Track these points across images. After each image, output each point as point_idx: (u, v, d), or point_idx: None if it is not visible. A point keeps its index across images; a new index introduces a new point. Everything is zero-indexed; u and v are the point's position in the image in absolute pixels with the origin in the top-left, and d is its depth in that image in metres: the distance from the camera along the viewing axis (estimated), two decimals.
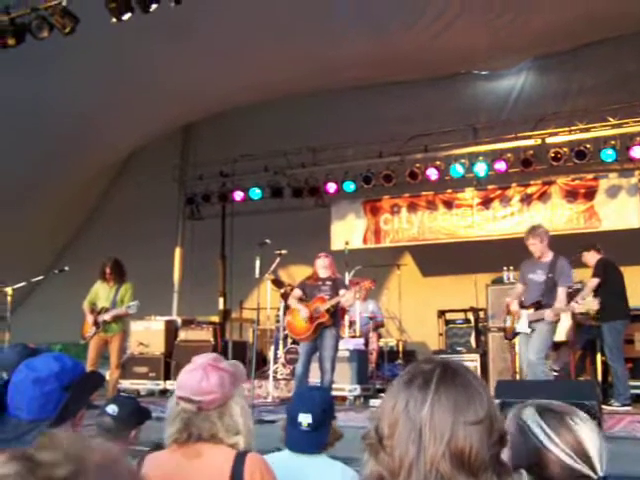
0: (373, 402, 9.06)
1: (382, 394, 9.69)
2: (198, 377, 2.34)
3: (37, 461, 0.95)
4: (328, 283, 8.20)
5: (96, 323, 8.74)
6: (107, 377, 8.95)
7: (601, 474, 1.49)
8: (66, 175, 13.04)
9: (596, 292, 8.63)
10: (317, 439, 2.97)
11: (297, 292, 8.45)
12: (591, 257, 8.81)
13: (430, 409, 1.26)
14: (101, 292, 8.93)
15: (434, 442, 1.23)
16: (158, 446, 2.67)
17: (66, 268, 9.62)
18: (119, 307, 8.78)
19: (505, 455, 1.64)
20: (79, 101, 10.79)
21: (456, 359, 9.88)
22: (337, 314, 8.27)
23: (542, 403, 1.67)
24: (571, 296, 9.22)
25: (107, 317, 8.76)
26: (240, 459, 2.29)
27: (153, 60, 10.45)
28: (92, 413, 3.71)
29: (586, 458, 1.51)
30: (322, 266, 8.23)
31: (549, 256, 7.46)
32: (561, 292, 7.31)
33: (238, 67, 11.01)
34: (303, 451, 2.95)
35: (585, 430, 1.56)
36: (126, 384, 10.66)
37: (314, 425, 2.95)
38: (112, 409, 3.39)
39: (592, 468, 1.50)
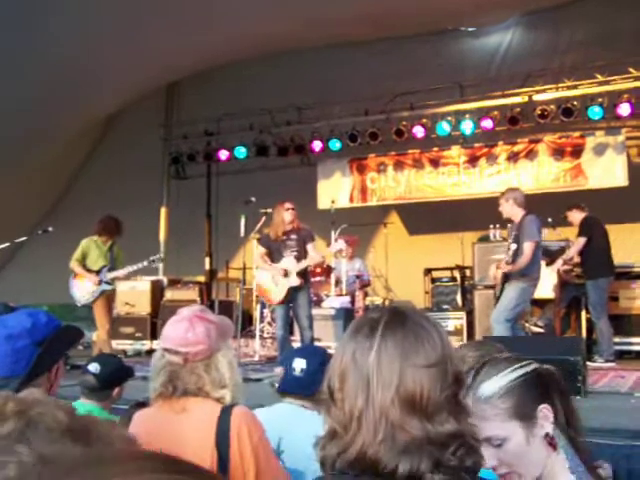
0: None
1: None
2: (184, 328, 2.28)
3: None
4: (293, 237, 7.94)
5: (100, 282, 8.51)
6: (94, 337, 8.93)
7: None
8: (50, 134, 12.87)
9: (581, 250, 8.69)
10: (308, 384, 2.96)
11: (261, 250, 8.18)
12: (575, 216, 8.82)
13: (377, 355, 1.24)
14: (93, 250, 8.65)
15: (382, 389, 1.22)
16: (141, 404, 2.64)
17: (50, 229, 9.49)
18: (119, 265, 8.66)
19: None
20: (61, 58, 10.60)
21: (442, 317, 9.98)
22: (307, 272, 8.16)
23: None
24: (557, 254, 9.29)
25: (122, 273, 8.62)
26: (226, 413, 2.24)
27: (137, 17, 10.25)
28: (76, 373, 3.71)
29: None
30: (288, 219, 7.91)
31: (519, 216, 7.34)
32: (525, 247, 7.10)
33: (221, 22, 10.82)
34: (293, 392, 2.98)
35: None
36: (112, 344, 10.62)
37: (307, 371, 2.96)
38: (94, 367, 3.37)
39: None
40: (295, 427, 2.85)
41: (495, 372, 1.64)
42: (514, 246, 7.23)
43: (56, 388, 1.87)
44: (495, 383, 1.61)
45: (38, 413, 0.89)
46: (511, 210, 7.41)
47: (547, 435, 1.60)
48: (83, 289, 8.56)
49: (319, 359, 3.01)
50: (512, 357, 1.71)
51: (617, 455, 3.64)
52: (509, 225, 7.65)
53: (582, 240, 8.56)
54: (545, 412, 1.60)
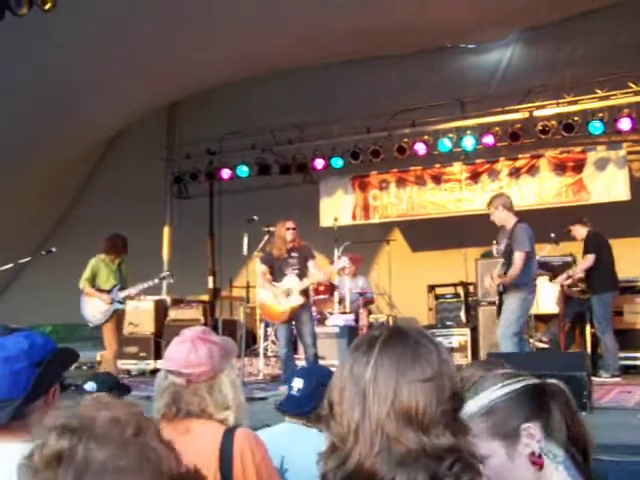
0: None
1: None
2: (186, 349, 2.29)
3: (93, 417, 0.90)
4: (294, 255, 7.96)
5: (112, 302, 8.45)
6: (98, 357, 8.89)
7: None
8: (52, 155, 12.90)
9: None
10: (303, 403, 3.00)
11: (263, 268, 8.16)
12: (579, 231, 8.81)
13: (373, 370, 1.26)
14: (102, 269, 8.59)
15: (378, 403, 1.24)
16: None
17: (53, 249, 9.48)
18: (128, 283, 8.61)
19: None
20: (63, 78, 10.65)
21: (446, 334, 9.94)
22: (308, 291, 8.15)
23: None
24: (560, 269, 9.27)
25: (134, 291, 8.58)
26: (229, 435, 2.24)
27: (138, 37, 10.32)
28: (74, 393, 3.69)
29: None
30: (289, 238, 7.93)
31: (511, 224, 7.31)
32: (516, 257, 7.04)
33: (220, 42, 10.87)
34: (290, 410, 3.03)
35: None
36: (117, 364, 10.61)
37: (303, 391, 2.99)
38: (90, 386, 3.37)
39: None
40: (297, 445, 2.85)
41: (480, 390, 1.62)
42: (501, 260, 7.23)
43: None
44: (478, 401, 1.60)
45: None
46: (502, 215, 7.38)
47: (532, 454, 1.57)
48: (94, 309, 8.49)
49: (317, 379, 3.02)
50: (504, 373, 1.68)
51: (623, 472, 3.61)
52: (499, 235, 7.63)
53: (591, 257, 8.54)
54: (530, 431, 1.57)
